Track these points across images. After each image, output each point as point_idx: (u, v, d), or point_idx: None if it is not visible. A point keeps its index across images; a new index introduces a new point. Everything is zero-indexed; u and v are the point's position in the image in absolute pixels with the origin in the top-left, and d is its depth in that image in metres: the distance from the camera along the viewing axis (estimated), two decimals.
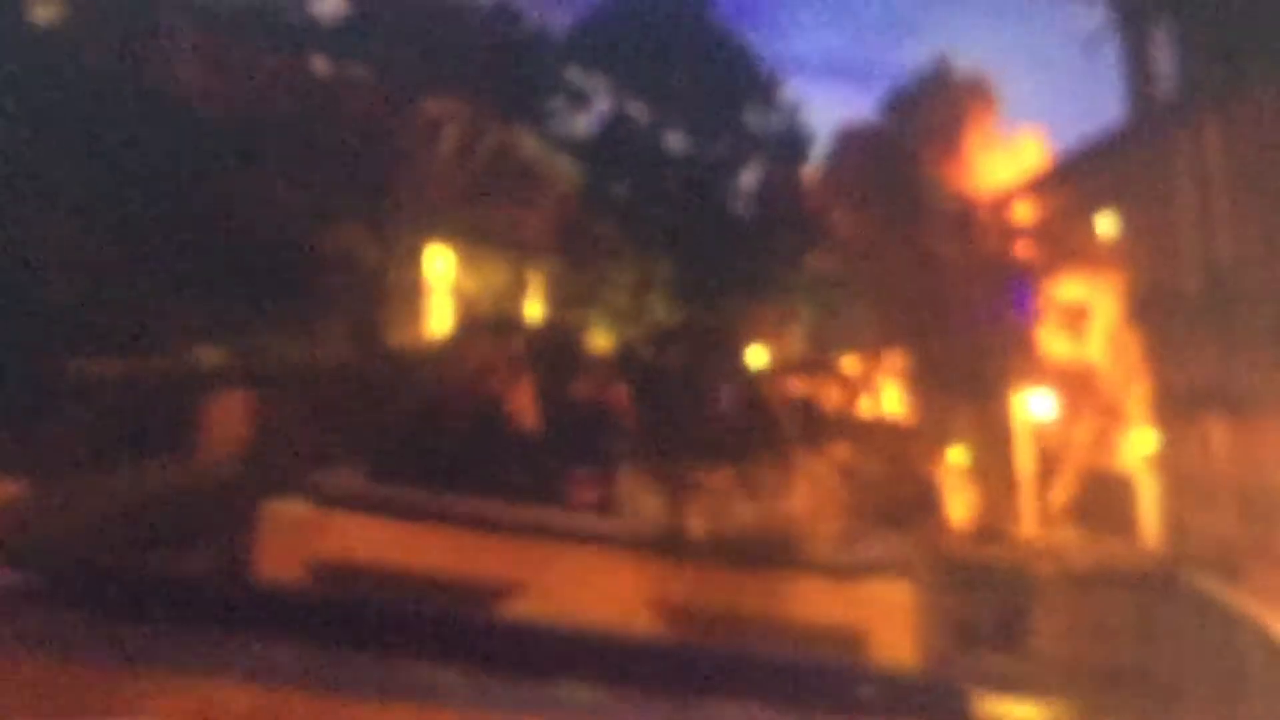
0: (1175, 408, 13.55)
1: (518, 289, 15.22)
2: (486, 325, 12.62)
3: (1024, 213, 21.27)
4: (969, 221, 23.13)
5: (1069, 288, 17.32)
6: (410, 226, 13.01)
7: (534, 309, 16.81)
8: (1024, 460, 16.04)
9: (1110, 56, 15.99)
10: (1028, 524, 14.96)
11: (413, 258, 13.15)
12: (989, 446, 17.33)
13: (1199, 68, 13.51)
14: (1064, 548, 12.08)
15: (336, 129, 11.96)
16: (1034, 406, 16.62)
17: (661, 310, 20.50)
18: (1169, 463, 14.19)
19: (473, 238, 14.32)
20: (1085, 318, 16.42)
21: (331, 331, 12.04)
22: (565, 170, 20.23)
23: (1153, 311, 14.09)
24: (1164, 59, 14.38)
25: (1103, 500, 14.76)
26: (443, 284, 13.75)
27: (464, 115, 14.50)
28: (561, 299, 17.44)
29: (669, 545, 5.86)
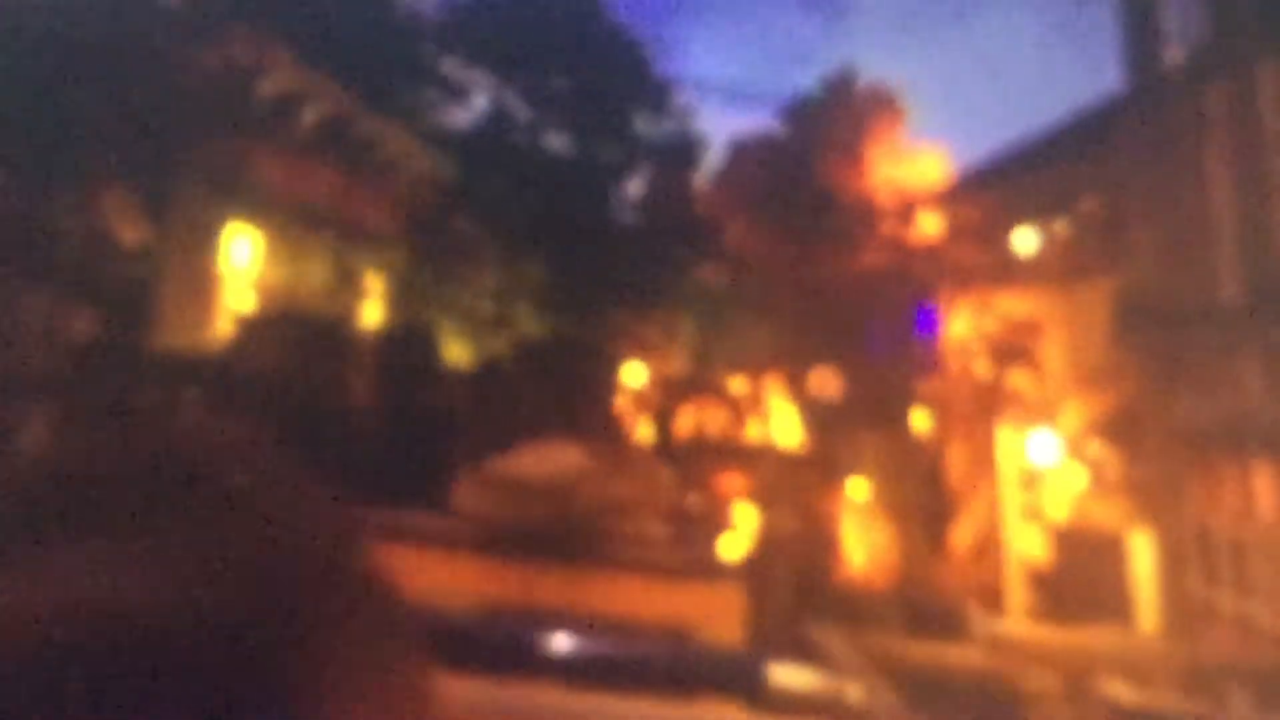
0: (1197, 451, 10.73)
1: (346, 284, 12.71)
2: (291, 323, 10.13)
3: (929, 227, 19.67)
4: (868, 236, 21.49)
5: (1001, 306, 15.59)
6: (197, 202, 10.36)
7: (372, 309, 14.28)
8: (1009, 515, 13.76)
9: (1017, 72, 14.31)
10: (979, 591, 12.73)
11: (199, 240, 10.50)
12: (894, 482, 15.48)
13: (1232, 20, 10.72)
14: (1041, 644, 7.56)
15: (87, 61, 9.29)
16: (1034, 451, 14.01)
17: (528, 320, 18.14)
18: (1186, 525, 10.90)
19: (288, 221, 11.73)
20: (1033, 340, 14.71)
21: (78, 321, 9.33)
22: (426, 160, 17.71)
23: (1156, 329, 11.29)
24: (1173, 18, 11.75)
25: (1086, 573, 11.87)
26: (243, 273, 11.13)
27: (287, 74, 11.89)
28: (408, 300, 14.95)
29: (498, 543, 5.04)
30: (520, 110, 26.80)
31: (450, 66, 26.39)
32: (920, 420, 17.73)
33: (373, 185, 15.62)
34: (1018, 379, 14.00)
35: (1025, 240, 15.61)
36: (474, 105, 26.99)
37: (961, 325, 16.05)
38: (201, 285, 10.51)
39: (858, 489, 15.77)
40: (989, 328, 14.88)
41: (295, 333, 9.60)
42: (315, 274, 12.19)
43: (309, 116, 12.74)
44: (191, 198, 10.46)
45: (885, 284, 20.75)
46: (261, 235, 11.49)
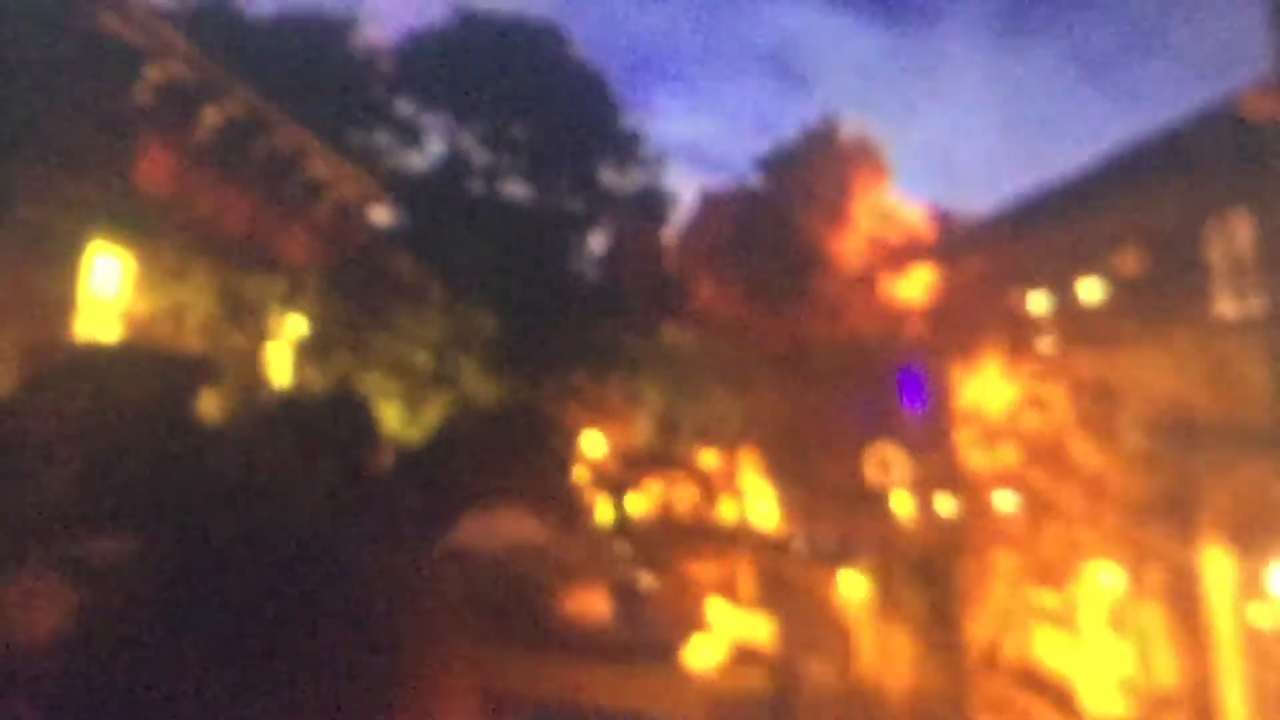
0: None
1: (243, 320, 10.40)
2: (156, 361, 7.86)
3: (920, 286, 17.86)
4: (853, 296, 19.66)
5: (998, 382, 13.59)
6: (46, 208, 8.12)
7: (279, 353, 11.95)
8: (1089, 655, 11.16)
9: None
10: None
11: (54, 259, 8.22)
12: (893, 578, 13.29)
13: None
14: None
15: None
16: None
17: (473, 378, 15.88)
18: None
19: (173, 241, 9.45)
20: (1039, 415, 12.69)
21: None
22: (359, 184, 15.53)
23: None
24: None
25: None
26: (109, 300, 8.84)
27: (182, 60, 9.68)
28: (328, 347, 12.69)
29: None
30: (477, 154, 24.92)
31: (404, 107, 24.56)
32: (904, 506, 15.64)
33: (290, 207, 13.38)
34: (1083, 453, 11.80)
35: (1089, 289, 13.55)
36: (429, 148, 25.14)
37: (981, 392, 14.07)
38: (43, 310, 8.20)
39: (852, 585, 13.60)
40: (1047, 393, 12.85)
41: (160, 373, 7.33)
42: (202, 306, 9.84)
43: (211, 117, 10.53)
44: (39, 201, 8.18)
45: (871, 349, 18.84)
46: (135, 257, 9.19)
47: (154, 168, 9.97)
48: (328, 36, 23.72)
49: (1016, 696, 11.39)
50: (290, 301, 12.25)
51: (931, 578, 13.22)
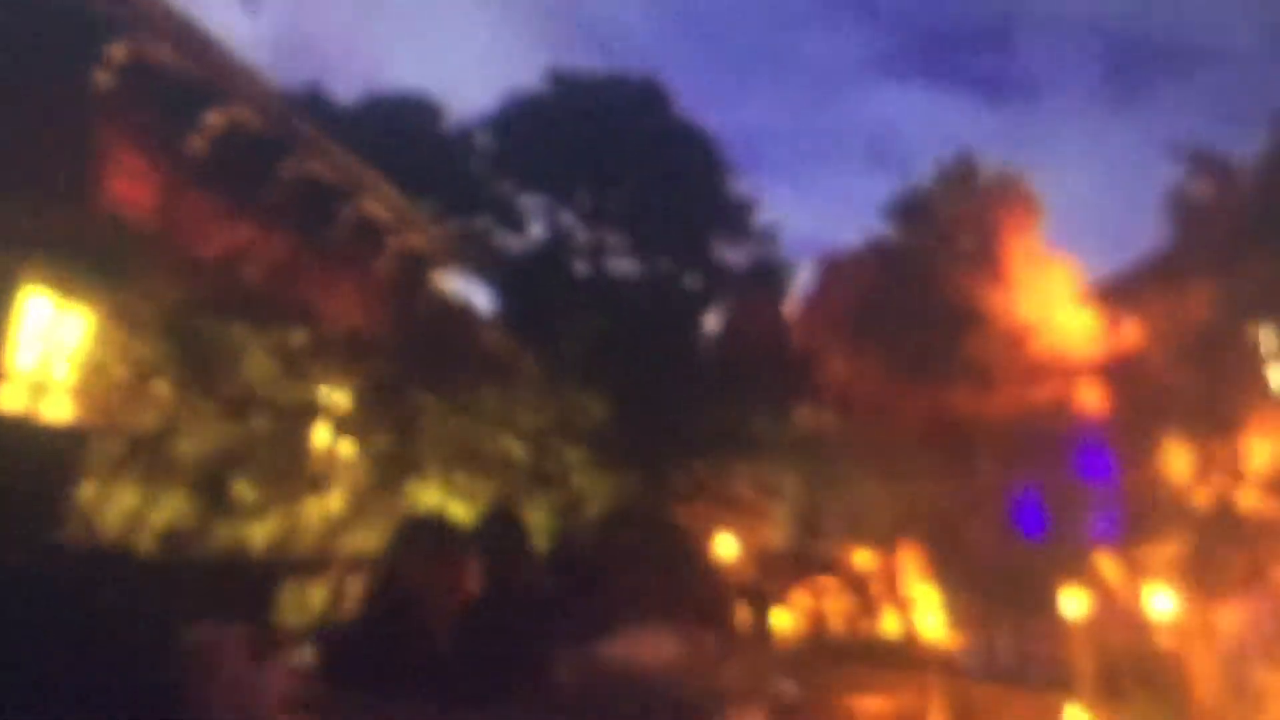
0: None
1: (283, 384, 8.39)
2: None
3: (1093, 338, 15.10)
4: (1013, 361, 16.92)
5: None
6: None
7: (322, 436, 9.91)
8: None
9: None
10: None
11: None
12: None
13: None
14: None
15: None
16: None
17: (581, 473, 13.78)
18: None
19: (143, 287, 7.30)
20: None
21: None
22: (424, 233, 13.62)
23: None
24: None
25: None
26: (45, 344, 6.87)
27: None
28: (389, 434, 10.62)
29: None
30: (578, 230, 23.31)
31: (502, 184, 23.21)
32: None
33: (331, 250, 11.34)
34: None
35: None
36: (530, 228, 23.65)
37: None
38: None
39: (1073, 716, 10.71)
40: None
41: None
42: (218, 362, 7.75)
43: (214, 119, 8.48)
44: None
45: (1041, 421, 16.02)
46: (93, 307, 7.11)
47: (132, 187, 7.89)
48: (418, 115, 22.71)
49: None
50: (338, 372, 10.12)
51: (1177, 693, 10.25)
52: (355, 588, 9.02)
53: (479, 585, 7.37)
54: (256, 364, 7.69)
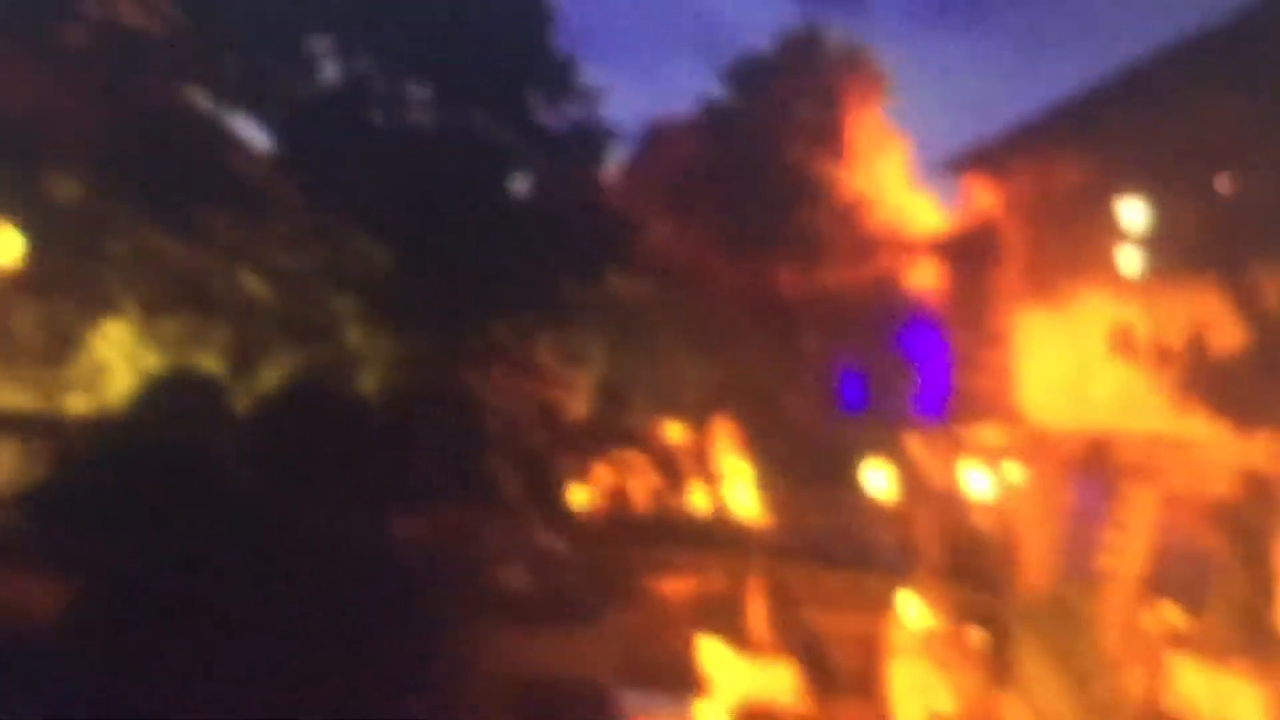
0: None
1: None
2: None
3: (936, 215, 14.02)
4: (846, 235, 15.76)
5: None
6: None
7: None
8: None
9: None
10: None
11: None
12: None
13: None
14: None
15: None
16: None
17: (354, 328, 11.56)
18: None
19: None
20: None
21: None
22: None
23: None
24: None
25: None
26: None
27: None
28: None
29: None
30: (376, 78, 20.45)
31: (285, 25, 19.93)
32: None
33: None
34: None
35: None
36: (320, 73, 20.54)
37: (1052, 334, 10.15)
38: None
39: (905, 599, 9.61)
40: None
41: None
42: None
43: None
44: None
45: (873, 300, 14.98)
46: None
47: None
48: None
49: None
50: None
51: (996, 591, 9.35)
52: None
53: None
54: None
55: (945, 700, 8.80)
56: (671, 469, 13.11)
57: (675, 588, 10.85)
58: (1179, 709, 7.83)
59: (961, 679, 8.79)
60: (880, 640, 9.87)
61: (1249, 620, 7.93)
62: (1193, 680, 7.87)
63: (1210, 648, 7.91)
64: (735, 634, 9.88)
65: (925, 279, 14.82)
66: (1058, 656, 8.21)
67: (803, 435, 13.00)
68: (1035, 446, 10.49)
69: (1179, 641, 8.25)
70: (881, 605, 9.88)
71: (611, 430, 13.43)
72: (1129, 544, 9.22)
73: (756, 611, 10.14)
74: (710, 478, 13.14)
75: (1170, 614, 8.63)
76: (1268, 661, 7.71)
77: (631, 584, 10.18)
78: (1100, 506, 9.93)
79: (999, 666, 8.66)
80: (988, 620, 9.21)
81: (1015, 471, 10.67)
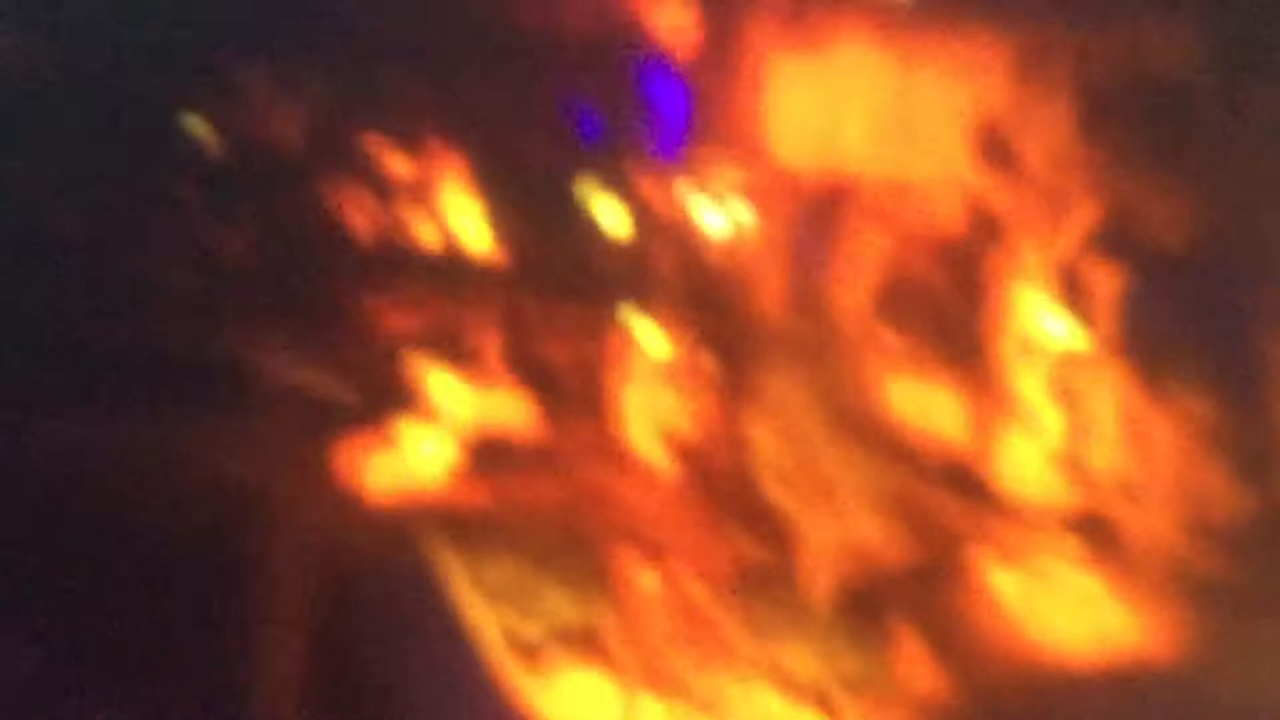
0: None
1: None
2: None
3: None
4: None
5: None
6: None
7: None
8: None
9: None
10: None
11: None
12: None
13: None
14: None
15: None
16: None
17: None
18: None
19: None
20: None
21: None
22: None
23: None
24: None
25: None
26: None
27: None
28: None
29: None
30: None
31: None
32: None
33: None
34: None
35: None
36: None
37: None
38: None
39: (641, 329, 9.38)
40: None
41: None
42: None
43: None
44: None
45: (616, 35, 14.07)
46: None
47: None
48: None
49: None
50: None
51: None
52: None
53: None
54: None
55: (683, 423, 8.92)
56: (390, 198, 11.97)
57: (397, 324, 10.04)
58: (898, 420, 8.37)
59: (699, 403, 8.91)
60: (615, 368, 9.77)
61: (960, 339, 8.48)
62: (905, 393, 8.45)
63: (924, 365, 8.45)
64: (465, 364, 9.38)
65: (672, 17, 14.09)
66: (797, 378, 8.45)
67: (535, 170, 12.26)
68: (775, 184, 10.42)
69: (897, 360, 8.73)
70: (616, 334, 9.72)
71: (320, 150, 11.91)
72: (858, 277, 9.50)
73: (487, 342, 9.65)
74: (435, 212, 12.17)
75: (889, 337, 9.09)
76: (969, 374, 8.35)
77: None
78: (828, 243, 10.13)
79: (739, 390, 8.84)
80: (724, 345, 9.30)
81: (749, 209, 10.62)
